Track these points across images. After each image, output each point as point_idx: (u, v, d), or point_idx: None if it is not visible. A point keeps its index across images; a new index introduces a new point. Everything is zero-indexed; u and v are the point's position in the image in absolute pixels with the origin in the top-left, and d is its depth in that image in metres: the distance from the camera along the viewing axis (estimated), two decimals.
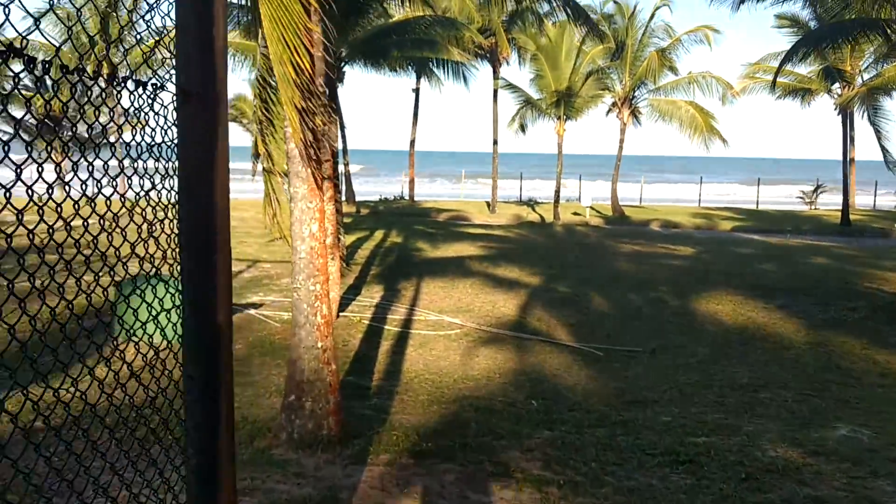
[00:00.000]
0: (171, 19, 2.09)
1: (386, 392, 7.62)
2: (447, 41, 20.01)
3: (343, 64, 18.52)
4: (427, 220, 27.96)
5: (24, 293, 1.75)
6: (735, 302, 12.61)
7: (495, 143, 31.67)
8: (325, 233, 5.91)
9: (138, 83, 1.95)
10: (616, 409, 7.27)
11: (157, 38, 2.22)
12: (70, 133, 1.93)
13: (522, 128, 32.00)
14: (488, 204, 32.32)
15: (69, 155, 1.95)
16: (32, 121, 32.89)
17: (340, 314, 10.89)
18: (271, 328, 9.92)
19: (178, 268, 2.08)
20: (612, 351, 9.51)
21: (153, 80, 2.02)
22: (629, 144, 32.05)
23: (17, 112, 34.14)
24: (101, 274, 1.97)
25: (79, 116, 2.02)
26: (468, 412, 6.99)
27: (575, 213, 30.54)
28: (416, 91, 34.22)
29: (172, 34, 2.10)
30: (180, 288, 1.98)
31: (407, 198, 36.37)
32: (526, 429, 6.57)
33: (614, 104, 31.81)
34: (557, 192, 29.66)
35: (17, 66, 1.65)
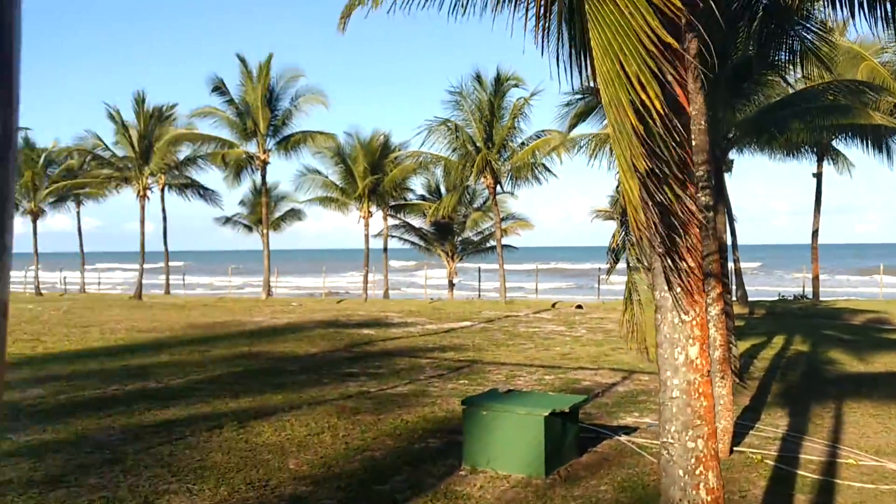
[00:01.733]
0: None
1: None
2: (863, 108, 16.69)
3: (730, 148, 16.40)
4: (838, 323, 23.52)
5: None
6: None
7: None
8: (709, 359, 3.94)
9: None
10: None
11: None
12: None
13: None
14: None
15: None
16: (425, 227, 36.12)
17: (735, 449, 8.57)
18: (645, 464, 7.98)
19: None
20: None
21: None
22: None
23: (413, 220, 37.98)
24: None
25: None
26: None
27: None
28: (818, 176, 30.03)
29: None
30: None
31: (810, 296, 31.69)
32: None
33: None
34: None
35: None
